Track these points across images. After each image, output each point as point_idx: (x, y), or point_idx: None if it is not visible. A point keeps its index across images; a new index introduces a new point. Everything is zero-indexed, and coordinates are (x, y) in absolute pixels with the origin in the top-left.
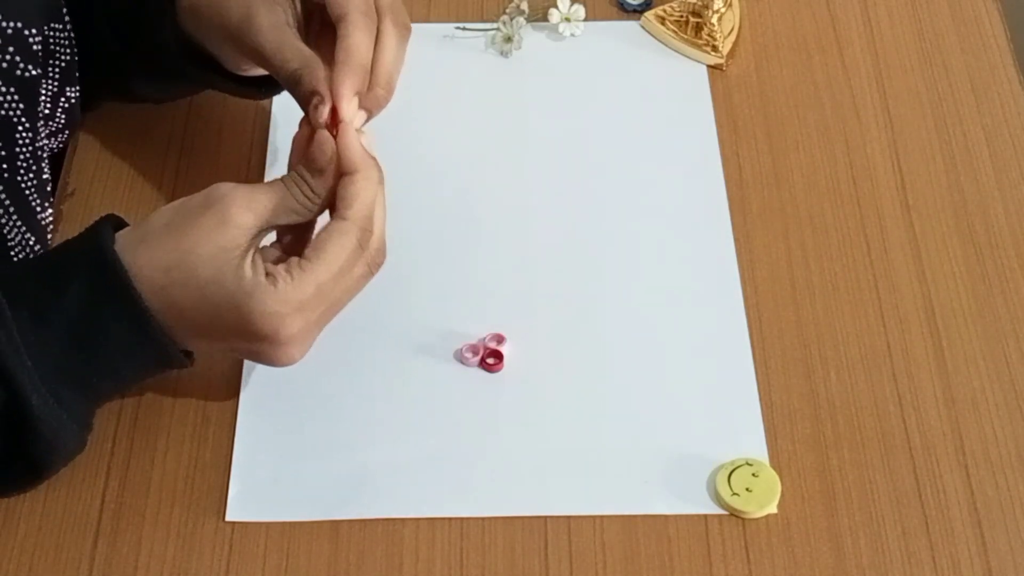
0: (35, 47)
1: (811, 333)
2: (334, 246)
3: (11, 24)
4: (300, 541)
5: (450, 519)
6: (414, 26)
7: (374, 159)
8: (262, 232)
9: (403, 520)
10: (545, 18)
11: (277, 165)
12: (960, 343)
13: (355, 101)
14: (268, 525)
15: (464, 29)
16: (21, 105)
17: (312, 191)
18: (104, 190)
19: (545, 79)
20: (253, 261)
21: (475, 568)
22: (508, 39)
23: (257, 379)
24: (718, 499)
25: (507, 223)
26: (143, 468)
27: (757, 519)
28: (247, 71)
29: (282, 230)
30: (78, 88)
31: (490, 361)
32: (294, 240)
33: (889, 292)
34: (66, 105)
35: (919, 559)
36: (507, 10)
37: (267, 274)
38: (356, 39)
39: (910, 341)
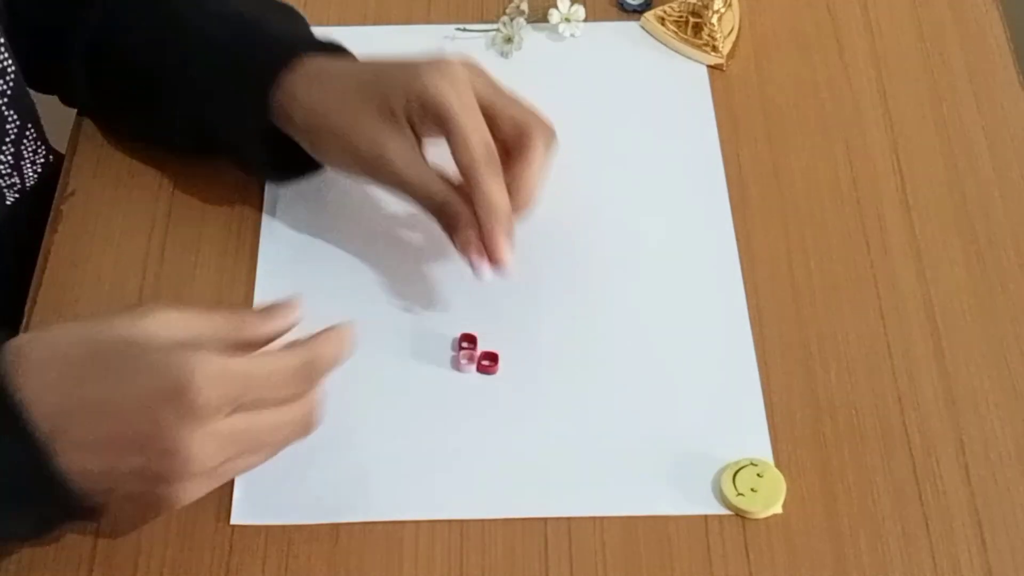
0: None
1: (811, 333)
2: (277, 352)
3: None
4: (300, 543)
5: (450, 521)
6: (414, 28)
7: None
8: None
9: (403, 522)
10: (545, 19)
11: None
12: (960, 343)
13: (508, 246)
14: (268, 526)
15: (464, 30)
16: None
17: (252, 339)
18: (104, 190)
19: (545, 79)
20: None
21: (475, 569)
22: (508, 40)
23: None
24: (723, 499)
25: None
26: None
27: (757, 519)
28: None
29: None
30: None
31: (485, 363)
32: None
33: (889, 292)
34: None
35: (919, 559)
36: (507, 11)
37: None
38: (490, 188)
39: (910, 341)
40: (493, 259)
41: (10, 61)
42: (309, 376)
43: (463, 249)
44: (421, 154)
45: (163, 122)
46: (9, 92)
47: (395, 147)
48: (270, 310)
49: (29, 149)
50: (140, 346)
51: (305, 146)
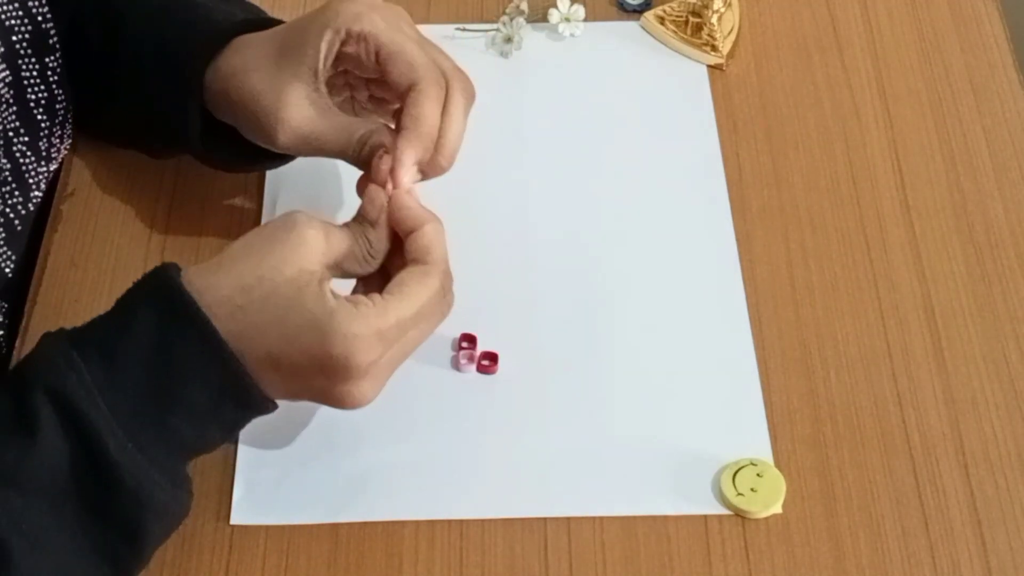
0: None
1: (811, 333)
2: (418, 286)
3: None
4: (300, 543)
5: (450, 521)
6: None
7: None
8: (331, 269)
9: (403, 522)
10: (545, 18)
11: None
12: (960, 343)
13: (413, 169)
14: (268, 527)
15: (464, 30)
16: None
17: (370, 244)
18: (104, 190)
19: (545, 79)
20: (332, 288)
21: (475, 569)
22: (508, 39)
23: None
24: (723, 499)
25: (506, 223)
26: None
27: (757, 519)
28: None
29: (356, 288)
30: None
31: (485, 363)
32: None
33: (889, 292)
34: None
35: (919, 559)
36: (507, 10)
37: (348, 300)
38: (426, 109)
39: (910, 341)
40: (393, 178)
41: (56, 38)
42: (450, 285)
43: (375, 172)
44: (335, 108)
45: (115, 109)
46: (59, 70)
47: (306, 103)
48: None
49: (67, 133)
50: (304, 295)
51: (231, 120)
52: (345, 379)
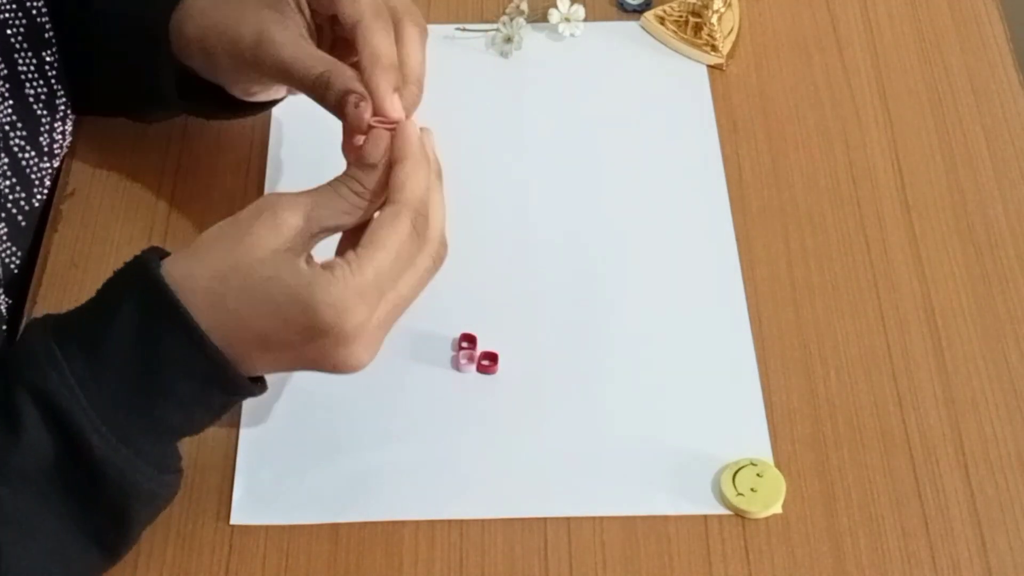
0: None
1: (811, 333)
2: (387, 230)
3: None
4: (300, 542)
5: (450, 521)
6: None
7: (429, 152)
8: (315, 237)
9: (403, 522)
10: (545, 18)
11: (278, 162)
12: (960, 343)
13: (396, 97)
14: (268, 526)
15: (464, 30)
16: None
17: (362, 186)
18: (104, 190)
19: (545, 79)
20: (308, 259)
21: (475, 569)
22: (508, 39)
23: None
24: (723, 499)
25: (506, 223)
26: None
27: (757, 519)
28: (255, 95)
29: (341, 241)
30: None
31: (485, 363)
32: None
33: (889, 292)
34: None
35: (919, 559)
36: (507, 11)
37: (324, 267)
38: (378, 41)
39: (910, 341)
40: (382, 114)
41: (52, 32)
42: (425, 224)
43: (357, 121)
44: (306, 39)
45: (93, 72)
46: (57, 65)
47: (277, 28)
48: (370, 154)
49: (68, 128)
50: (280, 272)
51: (199, 62)
52: (336, 345)
